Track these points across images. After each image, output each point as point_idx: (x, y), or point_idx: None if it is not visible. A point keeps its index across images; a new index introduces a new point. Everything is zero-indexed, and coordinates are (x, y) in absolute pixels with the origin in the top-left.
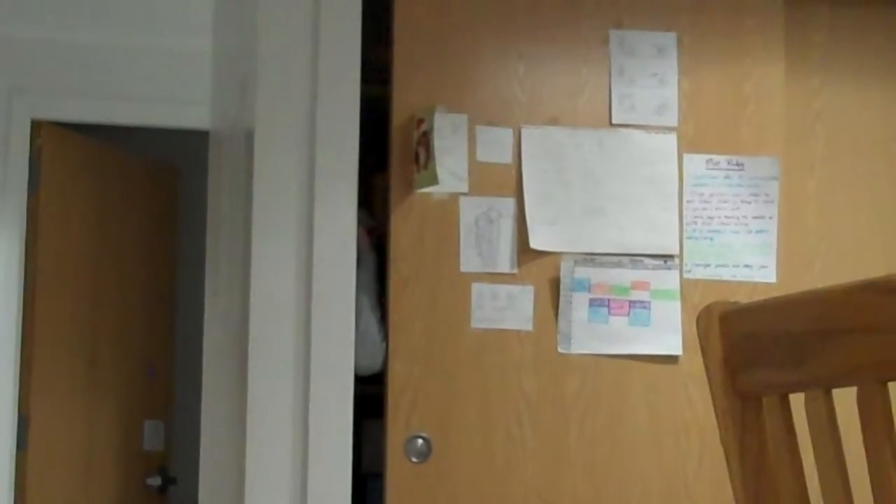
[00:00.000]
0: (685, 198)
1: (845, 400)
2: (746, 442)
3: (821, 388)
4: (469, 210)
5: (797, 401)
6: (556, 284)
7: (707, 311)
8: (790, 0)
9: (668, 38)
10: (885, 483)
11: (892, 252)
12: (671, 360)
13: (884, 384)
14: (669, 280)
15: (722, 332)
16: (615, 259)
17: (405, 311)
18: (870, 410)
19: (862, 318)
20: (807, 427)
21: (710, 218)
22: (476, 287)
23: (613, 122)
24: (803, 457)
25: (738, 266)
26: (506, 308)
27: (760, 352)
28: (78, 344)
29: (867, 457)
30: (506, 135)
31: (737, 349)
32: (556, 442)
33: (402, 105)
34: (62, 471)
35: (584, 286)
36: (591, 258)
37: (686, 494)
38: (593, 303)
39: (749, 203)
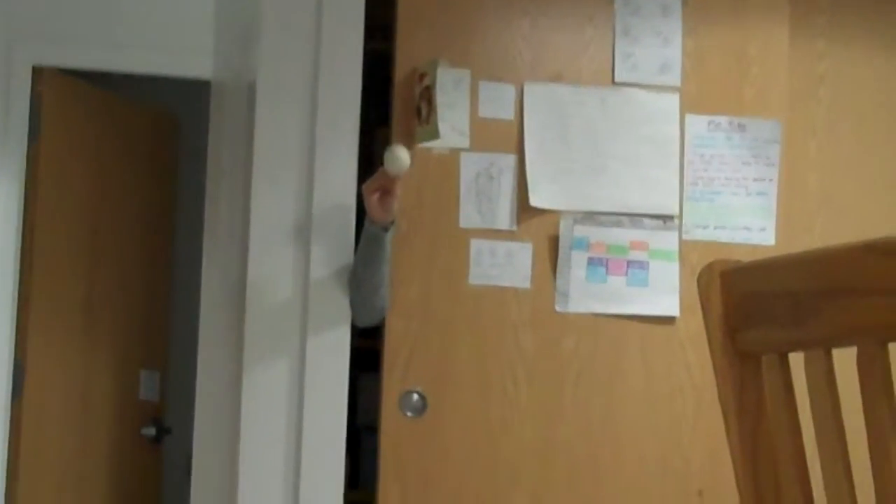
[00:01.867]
0: (686, 158)
1: (844, 360)
2: (745, 401)
3: (820, 348)
4: (469, 166)
5: (796, 360)
6: (554, 242)
7: (708, 269)
8: None
9: None
10: (883, 444)
11: (893, 215)
12: (668, 320)
13: (883, 345)
14: (668, 240)
15: (722, 290)
16: (614, 218)
17: (404, 266)
18: (869, 371)
19: (863, 278)
20: (805, 386)
21: (710, 179)
22: (475, 243)
23: (616, 80)
24: (801, 416)
25: (737, 228)
26: (504, 265)
27: (761, 311)
28: (75, 293)
29: (865, 417)
30: (508, 91)
31: (737, 308)
32: (551, 400)
33: (405, 59)
34: (57, 419)
35: (583, 245)
36: (590, 217)
37: (680, 454)
38: (592, 262)
39: (750, 165)
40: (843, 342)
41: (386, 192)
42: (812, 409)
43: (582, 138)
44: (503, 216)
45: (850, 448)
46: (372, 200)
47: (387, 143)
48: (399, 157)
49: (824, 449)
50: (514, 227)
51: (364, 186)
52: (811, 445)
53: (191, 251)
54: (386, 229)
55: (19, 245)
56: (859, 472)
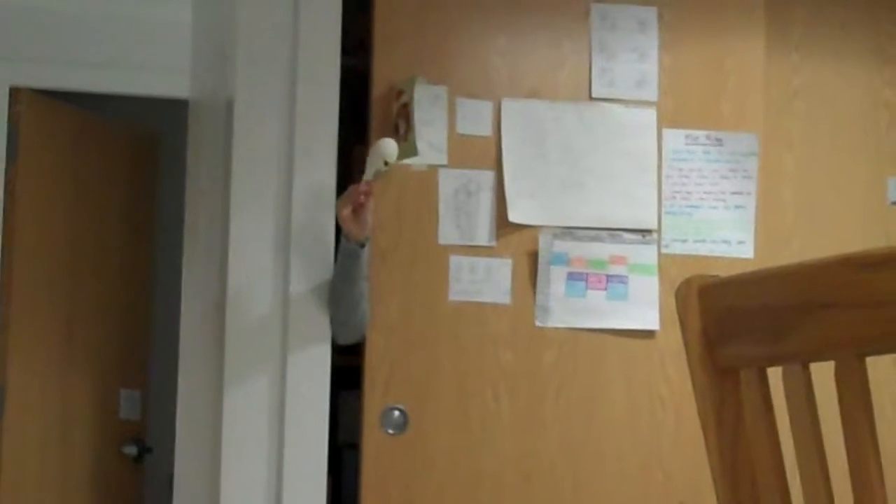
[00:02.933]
0: (664, 173)
1: (823, 374)
2: (724, 415)
3: (798, 363)
4: (448, 182)
5: (775, 374)
6: (534, 258)
7: (686, 284)
8: None
9: (649, 13)
10: (862, 458)
11: (870, 228)
12: (648, 334)
13: (861, 359)
14: (647, 255)
15: (701, 305)
16: (593, 233)
17: (383, 282)
18: (847, 385)
19: (840, 292)
20: (784, 401)
21: (688, 193)
22: (454, 259)
23: (593, 95)
24: (780, 431)
25: (715, 241)
26: (484, 281)
27: (739, 325)
28: (55, 312)
29: (844, 431)
30: (486, 107)
31: (715, 322)
32: (532, 415)
33: (382, 77)
34: (38, 439)
35: (563, 260)
36: (569, 232)
37: (661, 468)
38: (571, 276)
39: (728, 179)
40: (821, 356)
41: (359, 207)
42: (791, 423)
43: (560, 154)
44: (482, 232)
45: (829, 461)
46: (345, 217)
47: (364, 160)
48: (387, 145)
49: (803, 462)
50: (494, 243)
51: (337, 204)
52: (790, 459)
53: (171, 269)
54: (362, 245)
55: None
56: (839, 484)
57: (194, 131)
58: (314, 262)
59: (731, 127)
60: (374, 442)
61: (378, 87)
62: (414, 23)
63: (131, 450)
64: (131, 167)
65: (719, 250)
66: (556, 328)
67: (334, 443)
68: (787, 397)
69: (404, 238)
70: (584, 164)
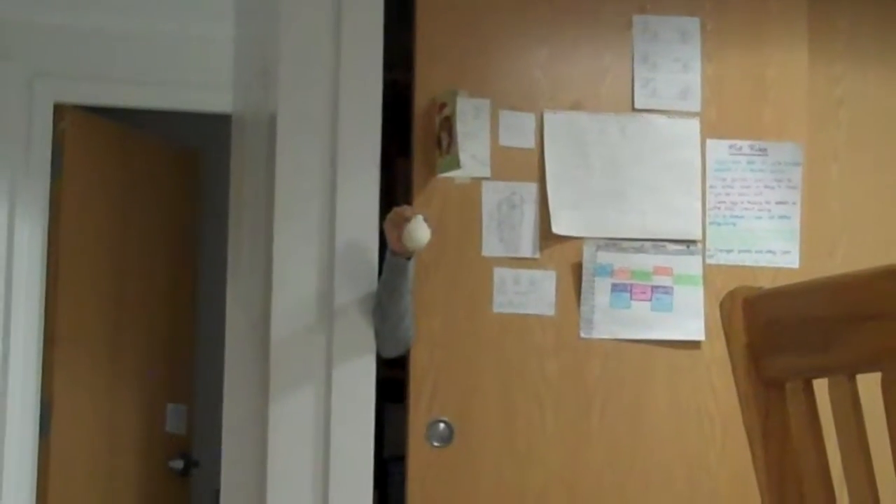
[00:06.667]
0: (708, 183)
1: (869, 385)
2: (770, 427)
3: (845, 374)
4: (491, 195)
5: (821, 386)
6: (578, 269)
7: (731, 295)
8: None
9: (692, 24)
10: None
11: None
12: (693, 345)
13: None
14: (692, 265)
15: (746, 317)
16: (637, 244)
17: (427, 295)
18: (893, 396)
19: (887, 304)
20: (830, 412)
21: (732, 203)
22: (498, 272)
23: (636, 107)
24: (826, 442)
25: (760, 252)
26: (528, 293)
27: (784, 337)
28: (100, 328)
29: (891, 442)
30: (528, 119)
31: (760, 334)
32: (577, 427)
33: (424, 90)
34: (85, 455)
35: (607, 271)
36: (613, 243)
37: (708, 479)
38: (615, 288)
39: (772, 188)
40: (867, 367)
41: (404, 224)
42: (837, 435)
43: (603, 165)
44: (526, 244)
45: (875, 473)
46: (393, 236)
47: (408, 173)
48: (415, 235)
49: (850, 474)
50: (537, 255)
51: (385, 222)
52: (837, 470)
53: (215, 284)
54: (408, 258)
55: (44, 282)
56: (886, 496)
57: (237, 146)
58: (358, 276)
59: (775, 136)
60: (419, 454)
61: (420, 100)
62: (456, 37)
63: (178, 464)
64: (175, 182)
65: (764, 260)
66: (601, 340)
67: (380, 455)
68: (834, 408)
69: (448, 251)
70: (628, 175)
